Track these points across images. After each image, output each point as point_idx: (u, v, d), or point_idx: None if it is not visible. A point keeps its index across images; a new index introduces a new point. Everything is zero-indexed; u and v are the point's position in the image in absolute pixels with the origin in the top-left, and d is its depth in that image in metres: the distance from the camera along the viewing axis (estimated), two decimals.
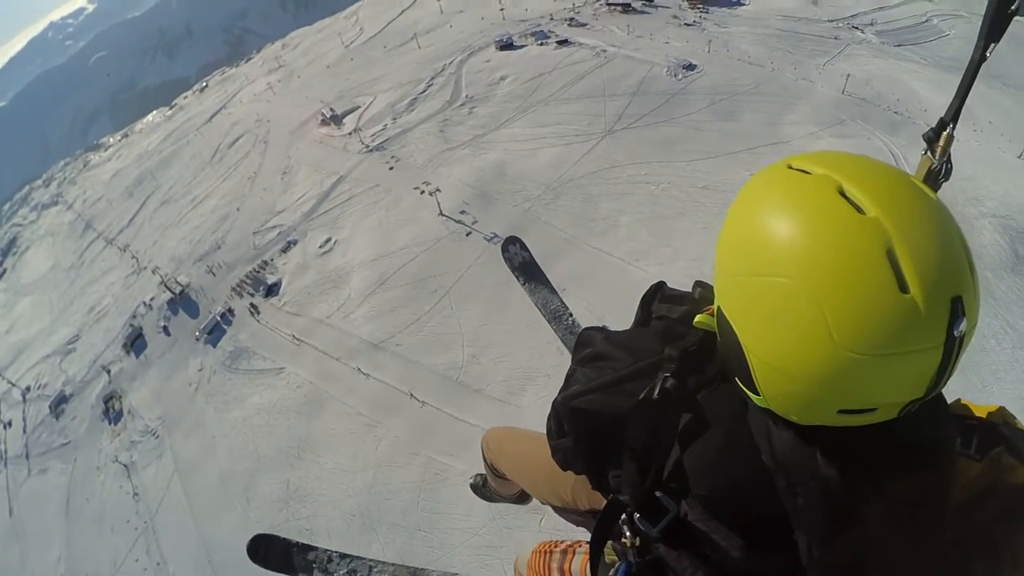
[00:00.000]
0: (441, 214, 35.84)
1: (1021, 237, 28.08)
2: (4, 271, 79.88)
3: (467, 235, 34.52)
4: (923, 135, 1.58)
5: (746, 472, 1.08)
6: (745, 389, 1.08)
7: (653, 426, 1.19)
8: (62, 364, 46.24)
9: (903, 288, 0.80)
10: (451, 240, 34.29)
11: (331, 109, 56.21)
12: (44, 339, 51.68)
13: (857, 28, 54.89)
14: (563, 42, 52.90)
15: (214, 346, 36.97)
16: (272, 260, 40.57)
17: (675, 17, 58.03)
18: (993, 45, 1.48)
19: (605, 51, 49.94)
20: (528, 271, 4.38)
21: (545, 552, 2.17)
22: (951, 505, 1.06)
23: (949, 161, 1.54)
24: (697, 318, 1.30)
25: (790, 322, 0.87)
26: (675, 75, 45.38)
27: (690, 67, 46.27)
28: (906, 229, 0.82)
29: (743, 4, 61.77)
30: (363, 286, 34.38)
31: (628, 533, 1.29)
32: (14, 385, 47.69)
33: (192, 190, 59.33)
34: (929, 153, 1.55)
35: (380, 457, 26.34)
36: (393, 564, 3.43)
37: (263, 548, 3.57)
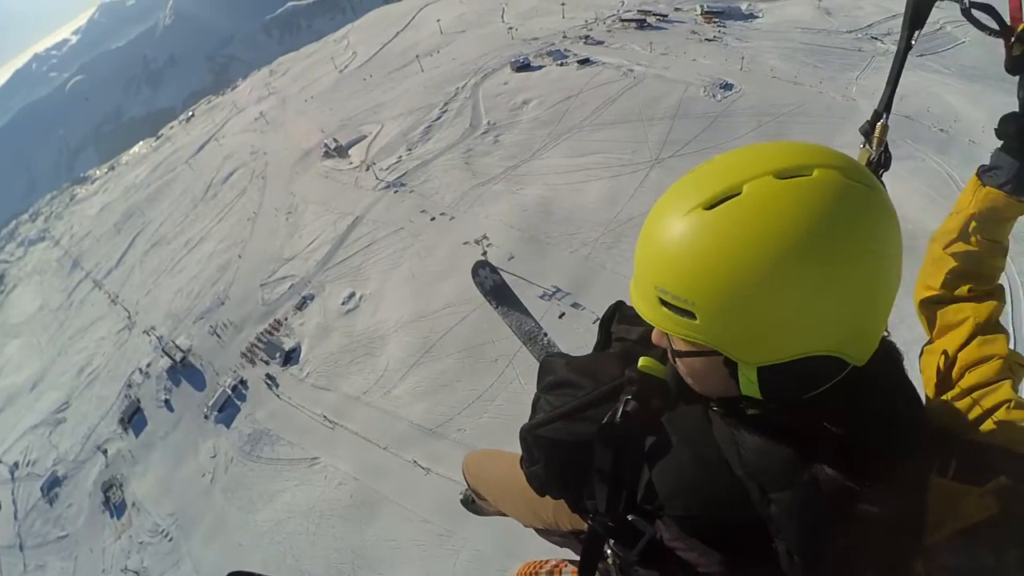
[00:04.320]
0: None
1: None
2: None
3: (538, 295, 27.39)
4: (859, 128, 1.57)
5: (718, 486, 1.01)
6: (817, 393, 0.95)
7: (618, 450, 1.13)
8: (51, 437, 38.68)
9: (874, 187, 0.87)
10: None
11: (334, 139, 48.95)
12: (31, 404, 43.76)
13: (876, 39, 49.83)
14: (584, 61, 46.54)
15: (227, 426, 29.77)
16: (287, 319, 33.27)
17: (694, 32, 51.98)
18: (917, 33, 1.50)
19: (632, 70, 43.61)
20: (499, 294, 4.11)
21: (531, 573, 2.00)
22: (942, 527, 0.99)
23: (887, 151, 1.53)
24: (641, 362, 1.18)
25: (879, 272, 0.86)
26: (713, 95, 39.52)
27: (727, 87, 40.48)
28: (830, 161, 0.86)
29: (757, 17, 56.05)
30: (403, 354, 27.43)
31: (610, 553, 1.21)
32: (1, 461, 39.78)
33: (185, 230, 51.71)
34: (867, 145, 1.53)
35: None
36: None
37: None
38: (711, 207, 0.84)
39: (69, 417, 39.13)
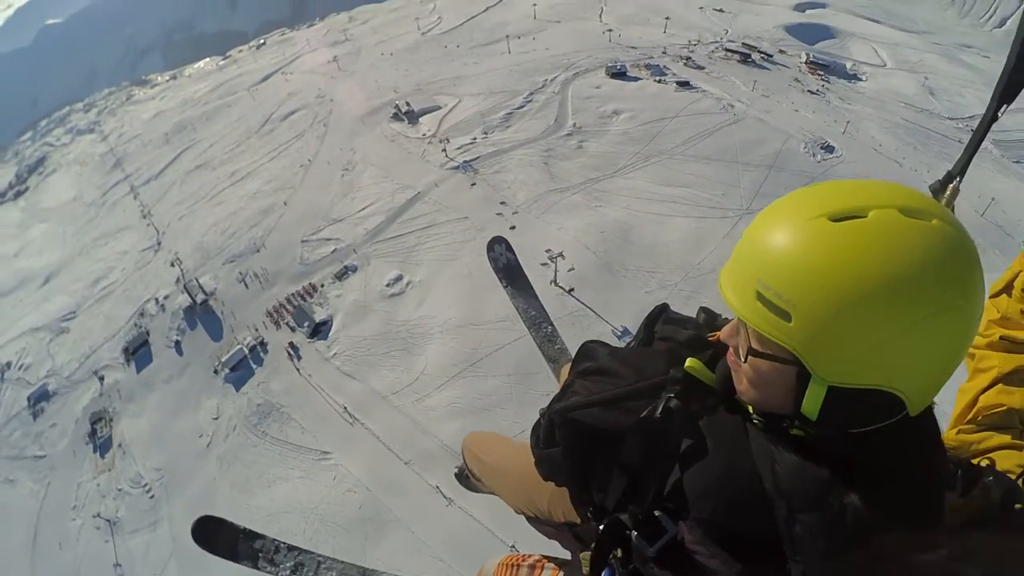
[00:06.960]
0: (555, 283, 25.40)
1: None
2: (27, 188, 73.45)
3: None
4: (929, 186, 1.55)
5: (747, 497, 1.00)
6: (866, 429, 0.96)
7: (652, 445, 1.13)
8: (50, 345, 35.70)
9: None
10: (568, 325, 23.34)
11: (407, 103, 45.32)
12: (39, 304, 40.78)
13: None
14: (684, 84, 42.68)
15: (237, 389, 26.65)
16: (323, 286, 30.00)
17: (797, 80, 47.91)
18: (1006, 106, 1.51)
19: (733, 106, 39.79)
20: (511, 274, 3.93)
21: (512, 566, 1.97)
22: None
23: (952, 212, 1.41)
24: (688, 363, 1.19)
25: (962, 332, 0.87)
26: (813, 155, 35.87)
27: (828, 148, 36.80)
28: (948, 217, 0.87)
29: (861, 80, 51.92)
30: (445, 360, 24.06)
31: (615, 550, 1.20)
32: None
33: (233, 159, 48.49)
34: None
35: None
36: (342, 561, 2.89)
37: (209, 531, 2.98)
38: (836, 220, 0.85)
39: (73, 328, 36.16)
